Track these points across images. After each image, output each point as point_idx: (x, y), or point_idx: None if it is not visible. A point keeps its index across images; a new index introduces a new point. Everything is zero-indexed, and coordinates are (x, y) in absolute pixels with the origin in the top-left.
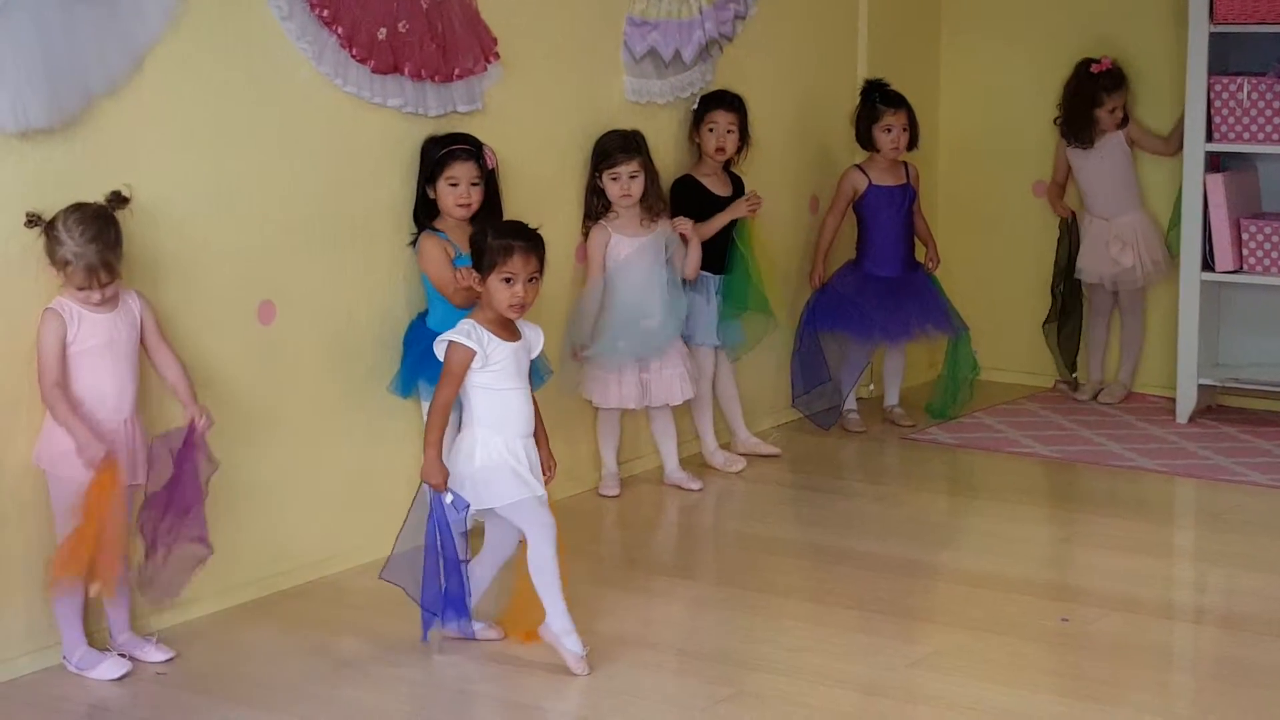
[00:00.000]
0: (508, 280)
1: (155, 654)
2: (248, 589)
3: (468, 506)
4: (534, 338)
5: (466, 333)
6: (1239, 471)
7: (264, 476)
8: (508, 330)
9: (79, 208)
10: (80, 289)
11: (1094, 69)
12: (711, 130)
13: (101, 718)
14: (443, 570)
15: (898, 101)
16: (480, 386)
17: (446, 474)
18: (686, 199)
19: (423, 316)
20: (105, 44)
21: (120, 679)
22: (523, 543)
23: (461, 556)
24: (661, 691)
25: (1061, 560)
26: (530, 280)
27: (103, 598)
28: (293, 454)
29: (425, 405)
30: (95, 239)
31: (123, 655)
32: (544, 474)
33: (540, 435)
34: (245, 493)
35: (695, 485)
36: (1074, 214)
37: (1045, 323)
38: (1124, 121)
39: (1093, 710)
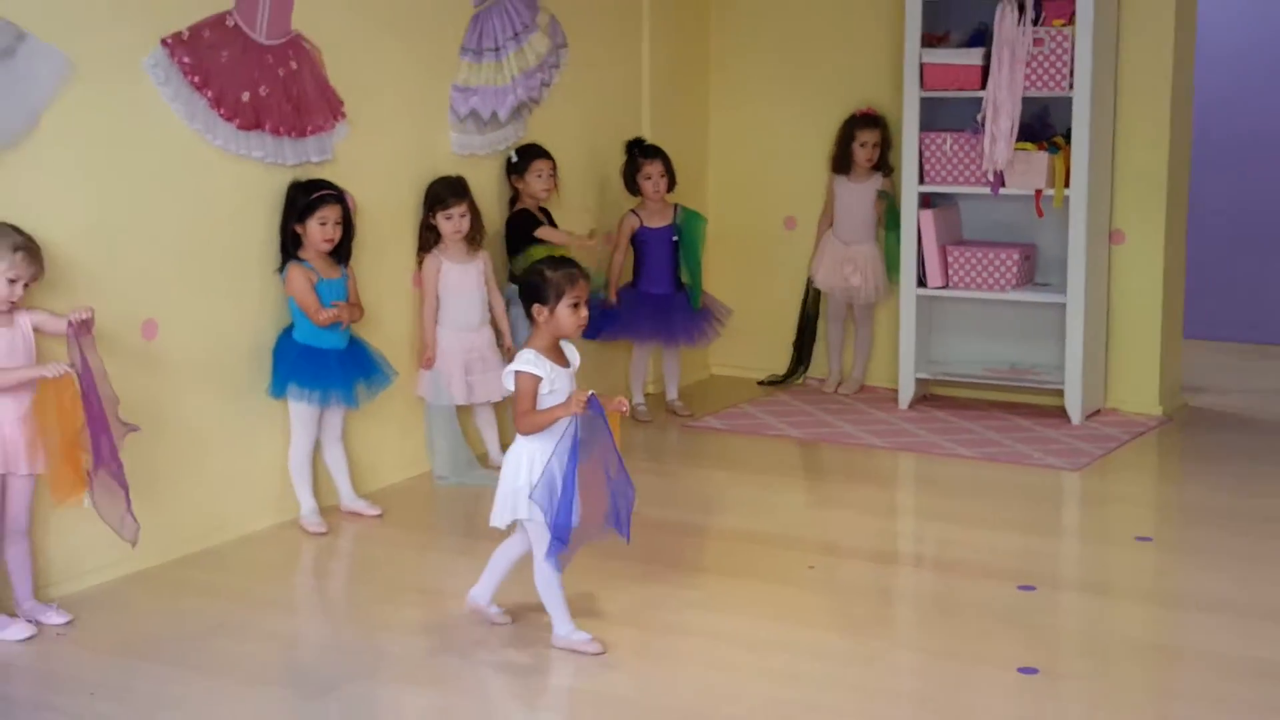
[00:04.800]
0: (575, 305)
1: (55, 618)
2: (139, 559)
3: (598, 406)
4: (574, 358)
5: (531, 361)
6: (949, 447)
7: (152, 470)
8: (560, 356)
9: None
10: (12, 281)
11: (856, 112)
12: (539, 176)
13: (7, 674)
14: (560, 498)
15: (654, 153)
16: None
17: (585, 391)
18: (523, 225)
19: (288, 331)
20: (5, 104)
21: (25, 640)
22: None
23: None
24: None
25: (810, 520)
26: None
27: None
28: (177, 449)
29: (294, 405)
30: (23, 237)
31: (29, 621)
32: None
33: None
34: (136, 483)
35: None
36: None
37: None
38: (888, 171)
39: (832, 637)
